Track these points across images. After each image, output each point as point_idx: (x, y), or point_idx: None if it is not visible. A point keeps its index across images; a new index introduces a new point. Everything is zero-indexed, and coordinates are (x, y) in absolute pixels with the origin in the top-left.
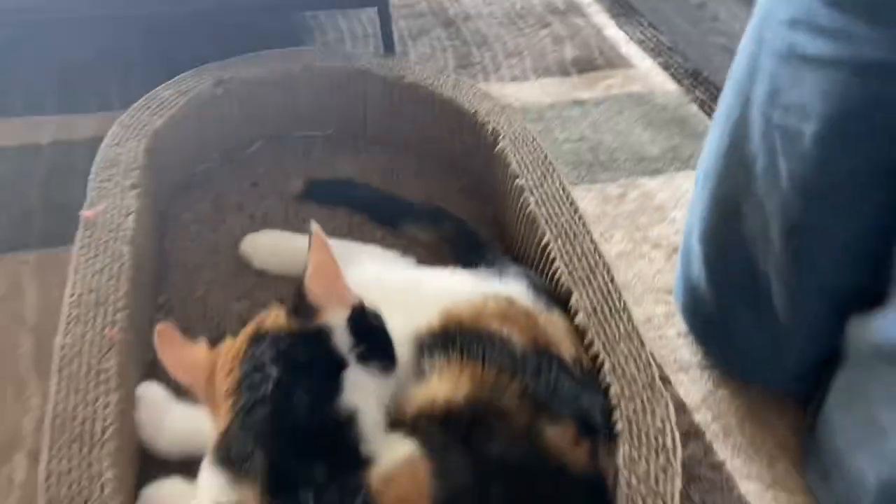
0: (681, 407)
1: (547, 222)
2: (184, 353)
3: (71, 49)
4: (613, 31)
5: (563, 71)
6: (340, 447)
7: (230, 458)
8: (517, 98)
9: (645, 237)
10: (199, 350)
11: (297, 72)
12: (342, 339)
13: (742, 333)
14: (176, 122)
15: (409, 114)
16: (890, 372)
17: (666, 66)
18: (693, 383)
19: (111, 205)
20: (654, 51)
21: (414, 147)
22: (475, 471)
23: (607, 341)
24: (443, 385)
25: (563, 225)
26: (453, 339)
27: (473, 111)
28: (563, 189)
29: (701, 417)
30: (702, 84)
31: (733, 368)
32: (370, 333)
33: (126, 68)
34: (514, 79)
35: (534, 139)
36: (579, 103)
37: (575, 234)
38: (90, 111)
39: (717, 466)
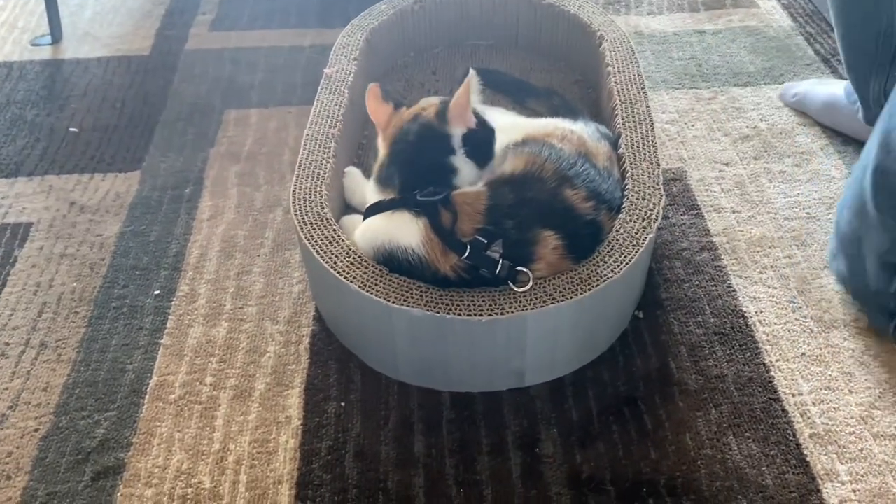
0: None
1: (619, 94)
2: (378, 106)
3: None
4: None
5: (694, 8)
6: (443, 181)
7: (382, 177)
8: (648, 27)
9: (720, 127)
10: (386, 107)
11: None
12: (457, 142)
13: None
14: (386, 26)
15: (546, 27)
16: None
17: (787, 7)
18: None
19: (340, 69)
20: None
21: (547, 50)
22: (513, 198)
23: (634, 161)
24: (510, 164)
25: (629, 96)
26: (525, 143)
27: (589, 23)
28: (638, 75)
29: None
30: (815, 22)
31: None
32: (478, 144)
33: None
34: (650, 13)
35: (628, 42)
36: (699, 33)
37: (635, 102)
38: (336, 26)
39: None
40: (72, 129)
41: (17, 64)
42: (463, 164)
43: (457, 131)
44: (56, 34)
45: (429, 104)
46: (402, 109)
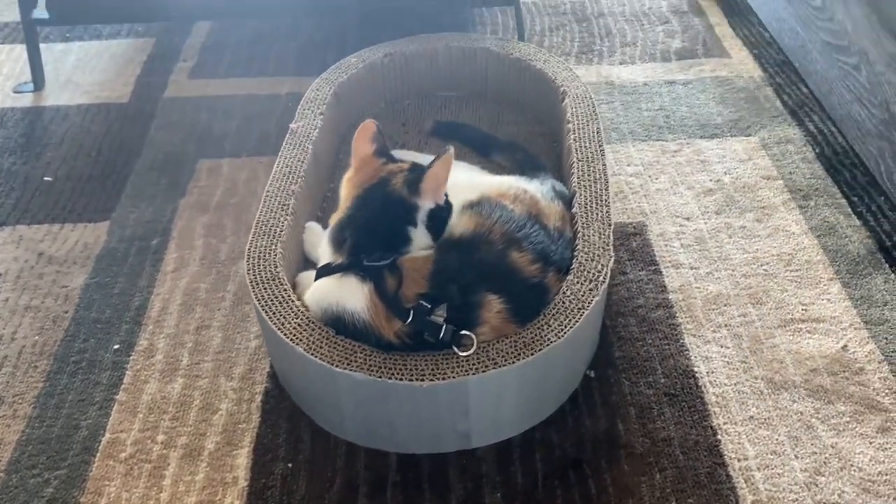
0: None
1: (577, 152)
2: (364, 144)
3: (307, 35)
4: (723, 28)
5: (665, 58)
6: (395, 248)
7: (336, 238)
8: (619, 76)
9: (684, 181)
10: (369, 147)
11: (440, 49)
12: (422, 216)
13: None
14: (356, 79)
15: (513, 80)
16: None
17: (758, 57)
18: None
19: (306, 123)
20: (753, 44)
21: (515, 103)
22: (459, 262)
23: (586, 222)
24: (461, 226)
25: (587, 154)
26: (479, 203)
27: (553, 78)
28: (597, 133)
29: None
30: (785, 72)
31: None
32: (439, 221)
33: (340, 46)
34: (622, 63)
35: (590, 99)
36: (670, 83)
37: (592, 160)
38: (313, 74)
39: None
40: (46, 178)
41: None
42: (419, 236)
43: (426, 205)
44: (38, 81)
45: (398, 169)
46: (380, 159)
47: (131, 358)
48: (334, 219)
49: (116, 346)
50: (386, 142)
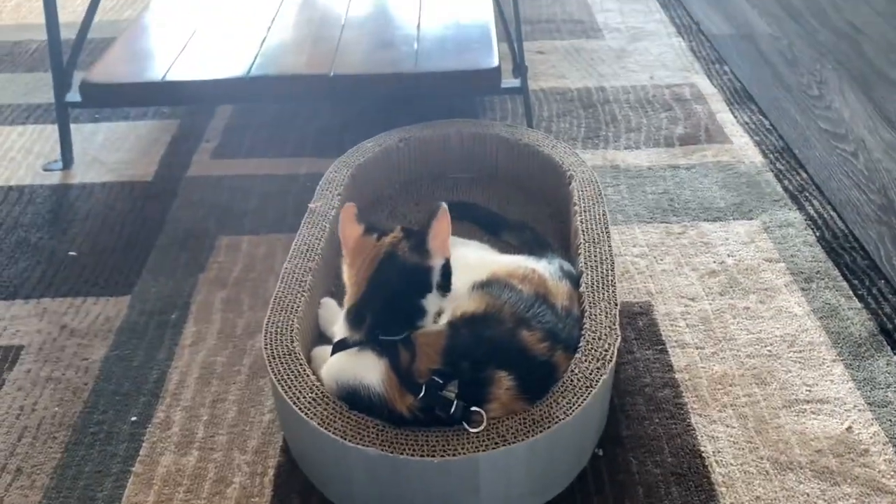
0: None
1: (584, 234)
2: (350, 226)
3: (325, 118)
4: (724, 115)
5: (669, 143)
6: (410, 323)
7: (353, 318)
8: (624, 161)
9: (688, 262)
10: (356, 228)
11: (453, 134)
12: (435, 276)
13: None
14: (372, 161)
15: (523, 163)
16: None
17: (759, 143)
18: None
19: (324, 203)
20: (754, 130)
21: (524, 185)
22: (470, 339)
23: (593, 301)
24: (472, 304)
25: (593, 236)
26: (489, 283)
27: (561, 162)
28: (603, 215)
29: None
30: (786, 159)
31: None
32: (447, 275)
33: (357, 129)
34: (627, 148)
35: (596, 183)
36: (673, 167)
37: (598, 241)
38: (330, 156)
39: None
40: (71, 252)
41: (28, 188)
42: (432, 302)
43: (437, 263)
44: (67, 160)
45: (394, 238)
46: (371, 235)
47: (148, 430)
48: (349, 301)
49: (134, 419)
50: (369, 219)
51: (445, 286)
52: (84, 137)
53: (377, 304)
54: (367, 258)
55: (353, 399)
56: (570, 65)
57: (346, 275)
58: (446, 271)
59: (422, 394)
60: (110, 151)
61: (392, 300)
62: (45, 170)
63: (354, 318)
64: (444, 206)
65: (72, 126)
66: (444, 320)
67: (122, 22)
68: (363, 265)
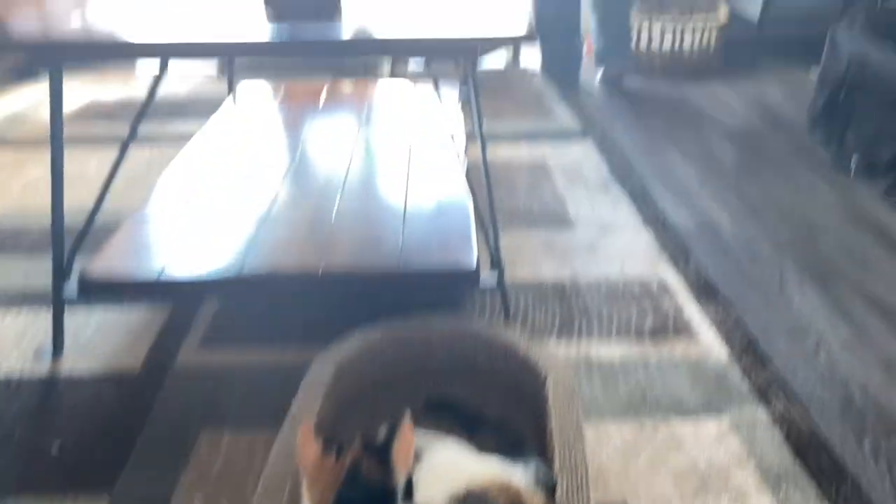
0: None
1: (558, 437)
2: (307, 448)
3: (312, 307)
4: (691, 308)
5: (640, 337)
6: None
7: None
8: (597, 354)
9: (662, 462)
10: (314, 453)
11: (434, 332)
12: (400, 491)
13: None
14: (356, 357)
15: (500, 361)
16: None
17: (726, 338)
18: None
19: (306, 404)
20: (721, 325)
21: (502, 382)
22: None
23: None
24: None
25: (567, 440)
26: (463, 500)
27: (536, 362)
28: (577, 417)
29: None
30: (751, 354)
31: None
32: (409, 487)
33: (343, 320)
34: (599, 341)
35: (571, 384)
36: (644, 361)
37: (573, 446)
38: (318, 346)
39: None
40: (54, 448)
41: (15, 381)
42: None
43: (401, 478)
44: (58, 349)
45: (354, 454)
46: (330, 454)
47: None
48: None
49: None
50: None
51: (408, 497)
52: (77, 324)
53: None
54: (329, 480)
55: None
56: (544, 256)
57: (308, 501)
58: (409, 486)
59: None
60: (101, 341)
61: None
62: (36, 358)
63: None
64: (408, 414)
65: (66, 310)
66: None
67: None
68: (326, 489)
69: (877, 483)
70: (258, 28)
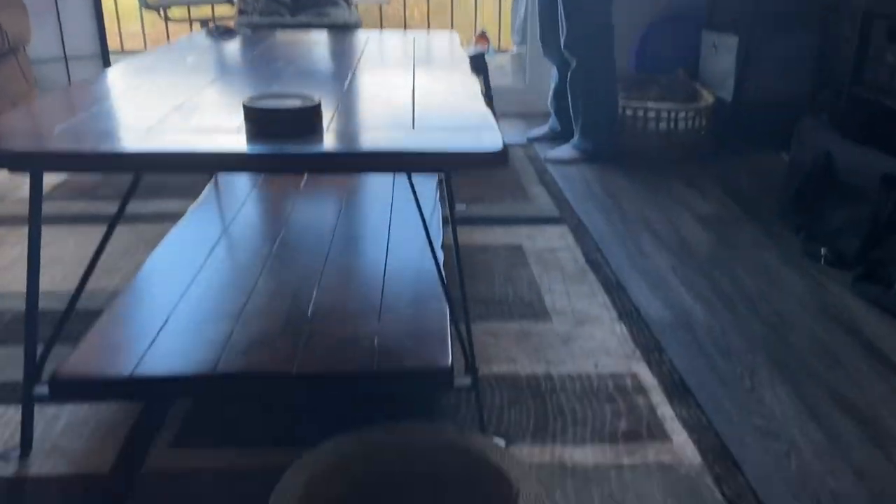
0: None
1: None
2: None
3: (285, 407)
4: (665, 409)
5: (613, 440)
6: None
7: None
8: (571, 458)
9: None
10: None
11: (407, 440)
12: None
13: None
14: (328, 468)
15: (471, 473)
16: None
17: (697, 442)
18: None
19: None
20: (693, 428)
21: (475, 496)
22: None
23: None
24: None
25: None
26: None
27: (510, 474)
28: None
29: None
30: (723, 460)
31: None
32: None
33: (316, 420)
34: (574, 444)
35: (541, 497)
36: (618, 467)
37: None
38: (289, 447)
39: None
40: None
41: None
42: None
43: None
44: (25, 449)
45: None
46: None
47: None
48: None
49: None
50: None
51: None
52: (46, 421)
53: None
54: None
55: None
56: (519, 349)
57: None
58: None
59: None
60: (70, 439)
61: None
62: (1, 458)
63: None
64: None
65: (35, 408)
66: None
67: (99, 291)
68: None
69: None
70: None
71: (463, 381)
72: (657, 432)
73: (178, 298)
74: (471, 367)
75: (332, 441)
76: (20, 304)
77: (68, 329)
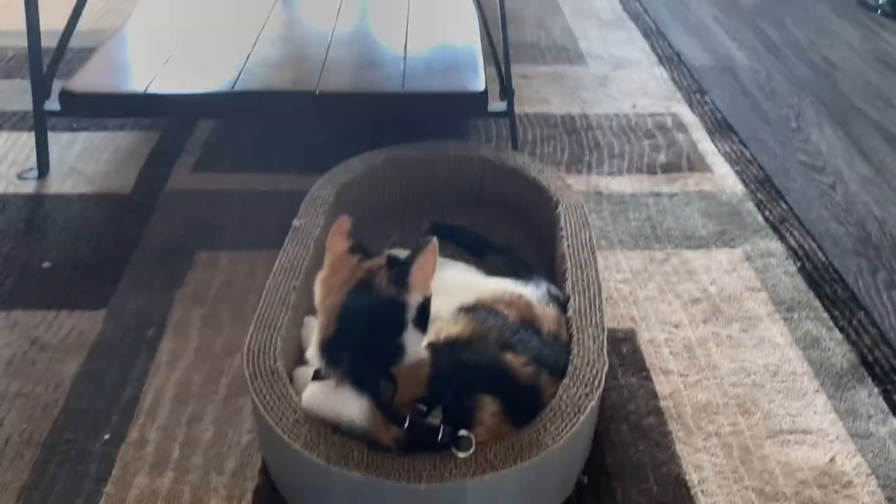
0: None
1: (570, 258)
2: (338, 240)
3: (309, 135)
4: (706, 145)
5: (651, 171)
6: (391, 361)
7: (329, 358)
8: (607, 187)
9: (672, 289)
10: (343, 246)
11: (439, 156)
12: (411, 313)
13: None
14: (357, 180)
15: (509, 187)
16: None
17: (740, 173)
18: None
19: (308, 220)
20: (735, 161)
21: (510, 208)
22: (454, 365)
23: (580, 326)
24: (457, 328)
25: (579, 261)
26: (475, 307)
27: (547, 186)
28: (589, 240)
29: None
30: (766, 189)
31: None
32: (425, 313)
33: (341, 147)
34: (610, 174)
35: (582, 208)
36: (656, 195)
37: (585, 266)
38: (313, 173)
39: None
40: (44, 264)
41: (1, 197)
42: (411, 341)
43: (414, 299)
44: (43, 169)
45: (376, 265)
46: (355, 255)
47: (121, 450)
48: (322, 331)
49: (106, 437)
50: (361, 238)
51: (423, 325)
52: (61, 147)
53: (352, 341)
54: (343, 278)
55: (336, 429)
56: (553, 90)
57: (319, 290)
58: (424, 310)
59: (406, 424)
60: (88, 162)
61: (367, 338)
62: (20, 178)
63: (329, 356)
64: (435, 241)
65: (49, 134)
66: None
67: (104, 31)
68: (338, 285)
69: (889, 314)
70: None
71: (497, 105)
72: (698, 165)
73: (186, 25)
74: (507, 90)
75: (362, 155)
76: (21, 42)
77: (74, 64)
